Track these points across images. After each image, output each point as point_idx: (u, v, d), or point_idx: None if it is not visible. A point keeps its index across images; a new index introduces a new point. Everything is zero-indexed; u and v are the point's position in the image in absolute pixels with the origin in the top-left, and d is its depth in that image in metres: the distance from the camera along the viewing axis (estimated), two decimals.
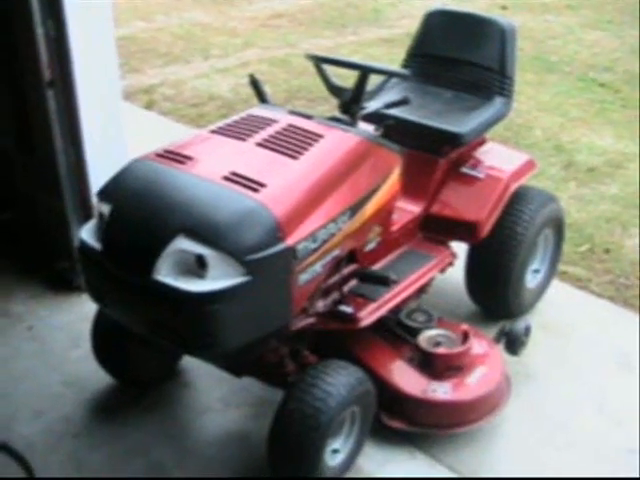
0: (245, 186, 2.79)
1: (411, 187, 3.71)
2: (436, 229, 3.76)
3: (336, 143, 3.09)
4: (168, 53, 8.08)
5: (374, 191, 3.18)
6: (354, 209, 3.05)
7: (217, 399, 3.57)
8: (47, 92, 3.80)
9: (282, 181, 2.87)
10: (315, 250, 2.88)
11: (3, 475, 3.19)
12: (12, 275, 4.38)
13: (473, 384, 3.34)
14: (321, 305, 3.23)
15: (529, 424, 3.47)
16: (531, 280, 4.08)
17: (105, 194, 2.95)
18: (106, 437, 3.38)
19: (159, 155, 3.01)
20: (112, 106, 4.09)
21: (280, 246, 2.72)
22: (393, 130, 3.82)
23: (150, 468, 3.22)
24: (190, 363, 3.70)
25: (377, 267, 3.50)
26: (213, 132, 3.18)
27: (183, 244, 2.67)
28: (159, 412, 3.51)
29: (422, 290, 3.73)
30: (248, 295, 2.68)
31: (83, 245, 2.92)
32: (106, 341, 3.45)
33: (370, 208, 3.18)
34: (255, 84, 3.47)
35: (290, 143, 3.03)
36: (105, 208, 2.89)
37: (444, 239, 3.78)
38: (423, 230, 3.78)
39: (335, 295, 3.30)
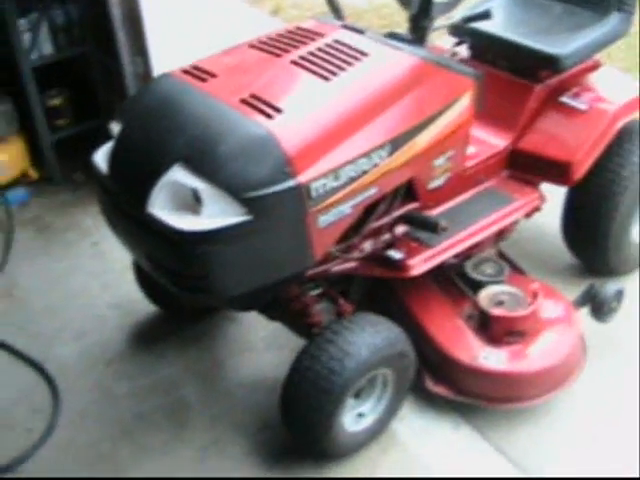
0: (260, 111, 2.43)
1: (498, 117, 3.23)
2: (524, 167, 3.23)
3: (381, 63, 2.64)
4: None
5: (430, 121, 2.71)
6: (397, 142, 2.59)
7: (260, 339, 3.32)
8: None
9: (303, 107, 2.47)
10: (339, 189, 2.48)
11: (31, 394, 3.14)
12: (90, 188, 4.27)
13: (535, 354, 2.86)
14: (368, 247, 2.86)
15: (600, 406, 2.96)
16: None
17: (120, 112, 2.70)
18: (138, 368, 3.23)
19: (185, 71, 2.70)
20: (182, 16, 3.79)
21: (288, 183, 2.35)
22: (485, 49, 3.33)
23: (170, 407, 3.04)
24: None
25: (444, 208, 3.06)
26: (251, 46, 2.82)
27: (178, 175, 2.36)
28: (198, 346, 3.31)
29: (500, 236, 3.25)
30: (250, 237, 2.35)
31: (93, 166, 2.69)
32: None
33: (424, 140, 2.71)
34: None
35: (328, 62, 2.62)
36: (116, 128, 2.64)
37: (533, 179, 3.25)
38: (510, 168, 3.26)
39: (385, 237, 2.91)
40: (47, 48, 4.06)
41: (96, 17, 3.93)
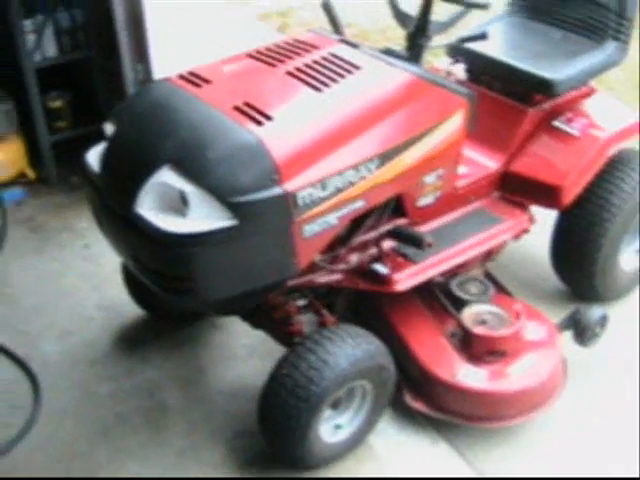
0: (251, 118, 2.45)
1: (491, 139, 3.26)
2: (514, 189, 3.25)
3: (374, 77, 2.68)
4: None
5: (420, 137, 2.72)
6: (386, 156, 2.61)
7: (243, 346, 3.33)
8: (115, 2, 3.59)
9: (294, 116, 2.50)
10: (325, 199, 2.49)
11: (12, 390, 3.14)
12: (85, 190, 4.29)
13: (515, 375, 2.87)
14: (354, 260, 2.88)
15: (577, 430, 2.96)
16: (630, 261, 3.48)
17: (114, 113, 2.73)
18: (121, 370, 3.23)
19: (181, 76, 2.73)
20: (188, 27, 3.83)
21: (275, 190, 2.37)
22: (481, 71, 3.37)
23: (150, 410, 3.05)
24: None
25: (433, 225, 3.08)
26: (249, 56, 2.85)
27: (166, 177, 2.38)
28: (182, 351, 3.32)
29: (488, 256, 3.27)
30: (234, 242, 2.36)
31: (85, 166, 2.72)
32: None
33: (414, 156, 2.73)
34: (328, 9, 3.10)
35: (321, 73, 2.65)
36: (110, 129, 2.67)
37: (522, 201, 3.26)
38: (501, 189, 3.28)
39: (372, 251, 2.92)
40: (51, 50, 4.10)
41: (100, 22, 3.97)
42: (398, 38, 6.21)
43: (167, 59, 4.12)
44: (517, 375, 2.86)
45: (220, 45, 5.33)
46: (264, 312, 2.89)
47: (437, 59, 3.89)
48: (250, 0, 7.13)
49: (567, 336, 3.07)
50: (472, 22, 3.70)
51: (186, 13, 6.35)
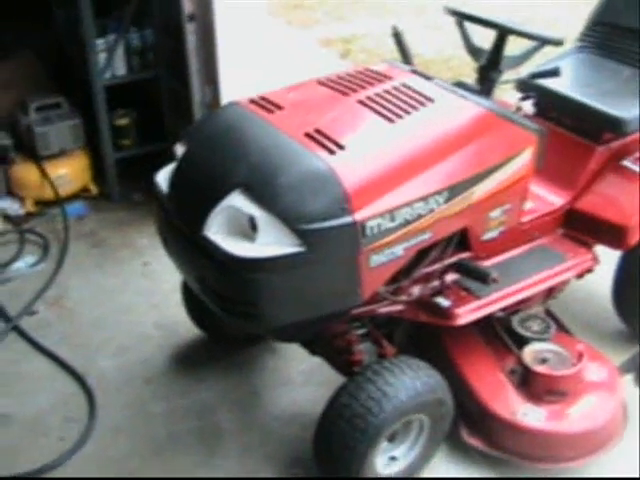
0: (323, 146, 2.46)
1: (558, 175, 3.22)
2: (579, 227, 3.20)
3: (447, 110, 2.67)
4: (381, 6, 7.73)
5: (489, 172, 2.71)
6: (455, 190, 2.60)
7: (299, 372, 3.32)
8: (187, 26, 3.64)
9: (366, 146, 2.50)
10: (393, 230, 2.49)
11: (68, 403, 3.17)
12: (147, 208, 4.35)
13: (575, 416, 2.82)
14: (417, 292, 2.86)
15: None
16: None
17: (186, 135, 2.76)
18: (175, 390, 3.25)
19: (252, 101, 2.75)
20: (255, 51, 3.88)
21: (345, 219, 2.36)
22: (550, 107, 3.34)
23: (203, 432, 3.05)
24: None
25: (496, 260, 3.04)
26: (320, 83, 2.87)
27: (237, 201, 2.39)
28: (237, 374, 3.33)
29: (550, 294, 3.22)
30: (301, 269, 2.36)
31: (154, 185, 2.75)
32: (194, 292, 3.29)
33: (482, 191, 2.71)
34: (398, 39, 3.10)
35: (394, 104, 2.65)
36: (180, 150, 2.70)
37: (587, 240, 3.22)
38: (565, 226, 3.24)
39: (435, 284, 2.90)
40: (120, 69, 4.19)
41: (171, 43, 4.04)
42: (459, 67, 6.25)
43: (231, 82, 4.17)
44: (577, 416, 2.82)
45: (284, 69, 5.40)
46: (323, 339, 2.89)
47: (504, 93, 3.87)
48: (313, 25, 7.22)
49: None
50: (538, 57, 3.68)
51: (248, 36, 6.43)
